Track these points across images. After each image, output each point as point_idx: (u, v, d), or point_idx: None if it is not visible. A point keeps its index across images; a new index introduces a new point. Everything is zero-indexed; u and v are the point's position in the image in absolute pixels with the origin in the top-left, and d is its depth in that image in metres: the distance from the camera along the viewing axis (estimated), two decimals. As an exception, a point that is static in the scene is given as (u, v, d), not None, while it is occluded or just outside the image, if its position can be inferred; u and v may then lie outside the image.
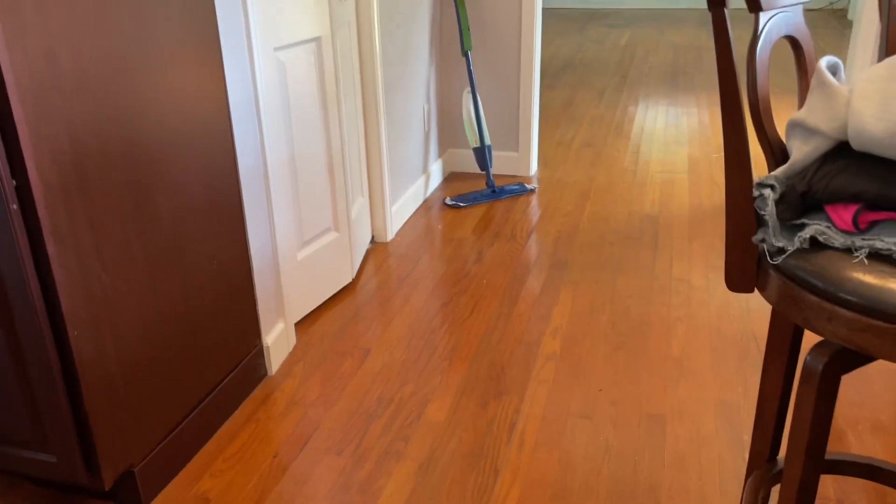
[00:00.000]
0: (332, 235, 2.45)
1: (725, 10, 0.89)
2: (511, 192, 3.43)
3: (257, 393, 2.03)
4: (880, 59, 1.13)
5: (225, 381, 1.89)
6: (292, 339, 2.24)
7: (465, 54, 3.32)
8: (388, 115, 2.85)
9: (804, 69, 1.07)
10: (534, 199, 3.35)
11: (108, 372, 1.46)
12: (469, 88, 3.37)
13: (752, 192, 0.96)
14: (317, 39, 2.20)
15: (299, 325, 2.35)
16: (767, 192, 0.94)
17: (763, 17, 1.00)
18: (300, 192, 2.24)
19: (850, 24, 7.41)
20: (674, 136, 4.13)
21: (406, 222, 3.13)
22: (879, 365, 2.05)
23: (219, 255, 1.80)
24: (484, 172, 3.49)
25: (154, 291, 1.58)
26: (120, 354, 1.49)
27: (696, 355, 2.13)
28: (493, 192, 3.39)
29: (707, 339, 2.21)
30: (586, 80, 5.52)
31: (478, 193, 3.39)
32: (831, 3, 8.20)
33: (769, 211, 0.93)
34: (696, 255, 2.75)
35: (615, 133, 4.25)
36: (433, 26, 3.32)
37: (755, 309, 2.36)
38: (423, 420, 1.90)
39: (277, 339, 2.13)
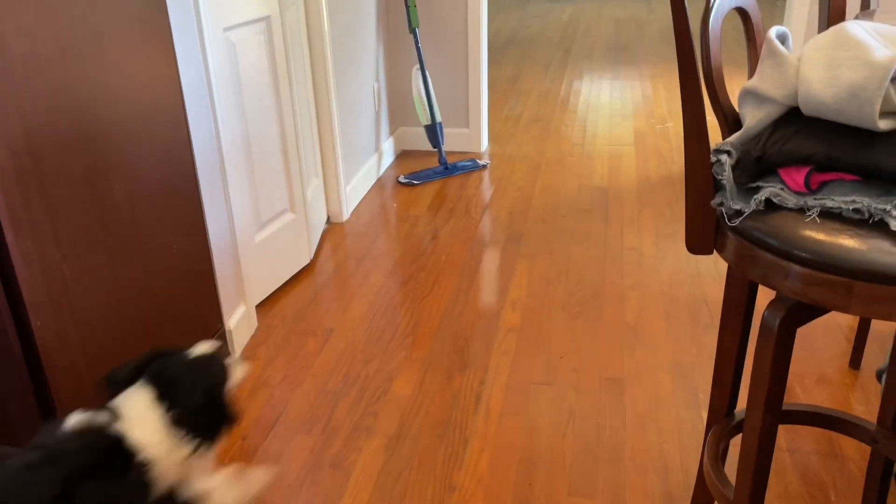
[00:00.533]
0: (288, 217, 2.44)
1: (682, -16, 0.93)
2: (463, 168, 3.45)
3: (222, 377, 2.02)
4: (821, 28, 1.19)
5: (189, 366, 1.87)
6: (254, 322, 2.23)
7: (413, 31, 3.31)
8: (338, 94, 2.84)
9: (753, 39, 1.12)
10: (486, 175, 3.38)
11: (73, 361, 1.44)
12: (418, 66, 3.36)
13: (709, 158, 1.01)
14: (266, 19, 2.17)
15: (260, 307, 2.34)
16: (724, 157, 0.99)
17: (714, -11, 1.04)
18: (255, 174, 2.22)
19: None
20: (619, 109, 4.21)
21: (361, 202, 3.13)
22: (824, 320, 2.16)
23: (177, 239, 1.78)
24: (436, 150, 3.50)
25: (114, 279, 1.55)
26: (83, 343, 1.47)
27: (650, 320, 2.21)
28: (446, 168, 3.41)
29: (660, 304, 2.29)
30: (531, 54, 5.56)
31: (431, 171, 3.40)
32: (763, -24, 8.41)
33: (726, 176, 0.98)
34: (645, 224, 2.83)
35: (562, 107, 4.31)
36: (379, 4, 3.30)
37: (704, 274, 2.45)
38: (390, 395, 1.92)
39: (239, 322, 2.12)
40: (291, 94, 2.35)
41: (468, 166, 3.46)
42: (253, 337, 2.20)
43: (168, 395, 1.08)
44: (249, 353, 2.12)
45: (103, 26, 1.46)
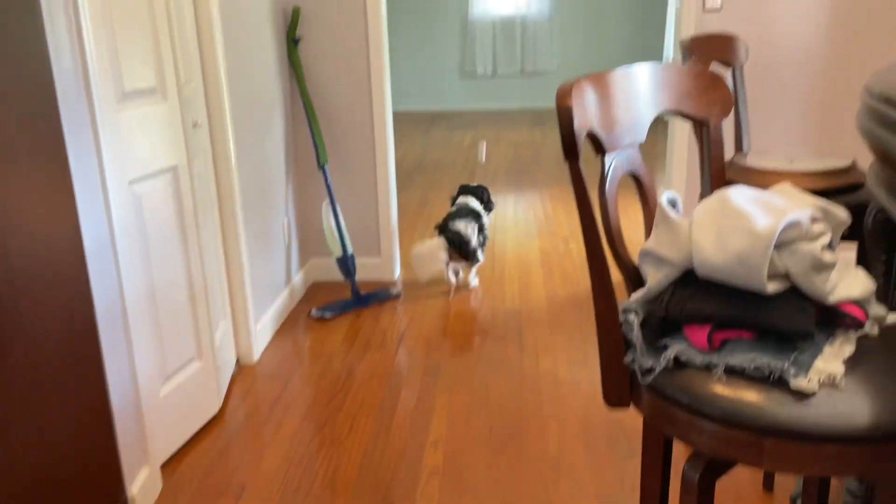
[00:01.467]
0: (195, 365, 2.34)
1: (579, 163, 1.00)
2: (377, 298, 3.45)
3: (123, 551, 1.85)
4: (703, 190, 1.29)
5: (86, 544, 1.71)
6: (159, 484, 2.08)
7: (322, 167, 3.38)
8: (247, 232, 2.82)
9: (647, 201, 1.20)
10: (399, 304, 3.39)
11: (-50, 561, 1.29)
12: (328, 200, 3.41)
13: (618, 317, 1.05)
14: (173, 169, 2.16)
15: (166, 465, 2.19)
16: (632, 317, 1.03)
17: (608, 158, 1.12)
18: (161, 324, 2.14)
19: (660, 119, 8.31)
20: (524, 230, 4.38)
21: (271, 340, 3.06)
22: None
23: (75, 404, 1.67)
24: (348, 281, 3.50)
25: (5, 451, 1.43)
26: (-36, 538, 1.32)
27: (571, 451, 2.21)
28: (359, 299, 3.40)
29: (579, 434, 2.30)
30: (437, 180, 5.75)
31: (343, 302, 3.38)
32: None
33: (635, 335, 1.02)
34: (558, 348, 2.89)
35: (470, 232, 4.43)
36: (287, 144, 3.37)
37: (619, 398, 2.50)
38: (311, 557, 1.81)
39: (143, 487, 1.97)
40: (199, 241, 2.32)
41: (381, 296, 3.47)
42: (157, 501, 2.04)
43: None
44: (154, 520, 1.96)
45: None
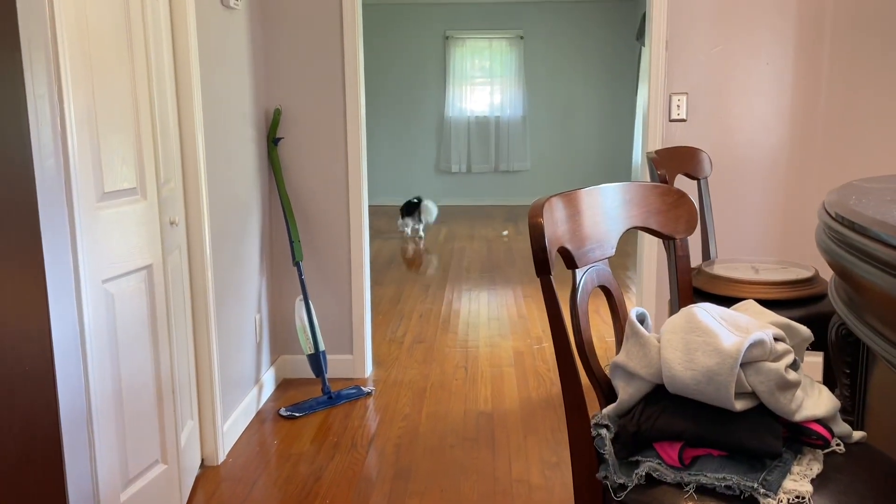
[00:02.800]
0: (159, 468, 2.27)
1: (551, 277, 1.03)
2: (348, 396, 3.40)
3: None
4: (672, 300, 1.33)
5: None
6: None
7: (297, 264, 3.40)
8: (219, 329, 2.80)
9: (617, 313, 1.24)
10: (371, 403, 3.34)
11: None
12: (301, 297, 3.41)
13: (590, 432, 1.06)
14: (147, 267, 2.17)
15: (120, 577, 2.08)
16: (604, 432, 1.04)
17: (578, 272, 1.16)
18: (126, 426, 2.08)
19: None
20: (497, 329, 4.39)
21: (238, 440, 2.98)
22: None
23: (30, 514, 1.60)
24: (319, 378, 3.45)
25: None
26: None
27: (545, 562, 2.15)
28: (330, 398, 3.35)
29: (554, 542, 2.24)
30: (411, 275, 5.79)
31: (313, 401, 3.32)
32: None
33: (608, 450, 1.03)
34: (531, 452, 2.85)
35: (443, 328, 4.43)
36: (263, 241, 3.40)
37: (593, 504, 2.45)
38: None
39: None
40: (170, 339, 2.30)
41: (353, 394, 3.42)
42: None
43: None
44: None
45: (-29, 295, 1.41)
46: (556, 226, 1.05)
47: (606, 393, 1.16)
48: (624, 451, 1.03)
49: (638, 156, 8.48)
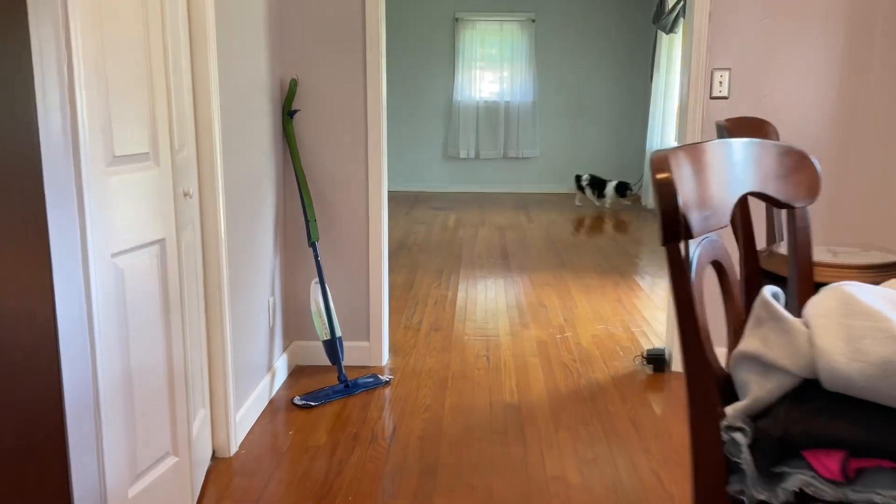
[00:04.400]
0: (170, 461, 2.08)
1: (681, 245, 0.84)
2: (365, 385, 3.21)
3: None
4: (790, 284, 1.14)
5: None
6: None
7: (313, 245, 3.20)
8: (232, 312, 2.60)
9: (730, 293, 1.04)
10: (389, 392, 3.16)
11: None
12: (317, 279, 3.21)
13: (720, 435, 0.87)
14: (160, 242, 1.97)
15: (128, 581, 1.90)
16: (739, 436, 0.85)
17: (692, 245, 0.96)
18: (136, 415, 1.89)
19: (643, 207, 8.34)
20: (517, 318, 4.20)
21: (251, 430, 2.79)
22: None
23: (31, 515, 1.41)
24: (334, 365, 3.26)
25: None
26: None
27: (592, 569, 1.97)
28: (346, 387, 3.16)
29: (599, 547, 2.07)
30: (422, 261, 5.60)
31: (329, 390, 3.14)
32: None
33: (745, 458, 0.84)
34: (565, 447, 2.66)
35: (460, 315, 4.24)
36: (278, 218, 3.20)
37: (638, 506, 2.27)
38: None
39: None
40: (183, 320, 2.10)
41: (370, 383, 3.23)
42: None
43: None
44: None
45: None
46: (682, 183, 0.85)
47: (723, 390, 0.97)
48: (765, 461, 0.84)
49: (654, 144, 8.28)
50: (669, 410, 2.99)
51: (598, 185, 8.08)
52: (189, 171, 2.24)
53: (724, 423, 0.87)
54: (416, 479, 2.44)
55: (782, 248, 1.87)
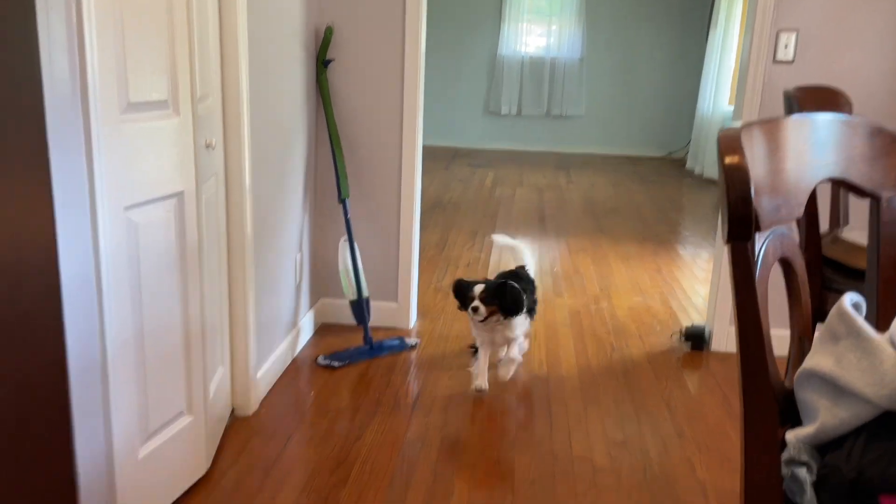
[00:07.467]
0: (184, 420, 2.02)
1: (748, 245, 0.70)
2: (390, 348, 3.13)
3: None
4: (869, 286, 0.99)
5: None
6: (126, 566, 1.75)
7: (343, 201, 3.09)
8: (256, 268, 2.52)
9: (797, 296, 0.90)
10: (415, 357, 3.08)
11: None
12: (346, 237, 3.12)
13: (780, 468, 0.74)
14: (178, 195, 1.87)
15: (137, 540, 1.86)
16: (803, 473, 0.72)
17: (758, 238, 0.82)
18: (148, 373, 1.83)
19: (688, 174, 8.05)
20: (550, 285, 4.07)
21: (272, 389, 2.73)
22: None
23: (32, 473, 1.35)
24: (360, 326, 3.19)
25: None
26: None
27: (615, 560, 1.87)
28: (371, 348, 3.09)
29: (624, 536, 1.97)
30: (457, 220, 5.47)
31: (354, 351, 3.06)
32: (670, 153, 8.94)
33: (808, 502, 0.71)
34: (593, 426, 2.55)
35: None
36: (308, 173, 3.09)
37: (667, 497, 2.16)
38: None
39: (106, 571, 1.64)
40: (201, 277, 2.02)
41: (396, 346, 3.15)
42: (123, 586, 1.71)
43: None
44: None
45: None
46: (755, 167, 0.71)
47: (783, 409, 0.84)
48: (830, 502, 0.72)
49: (705, 108, 7.93)
50: (706, 391, 2.85)
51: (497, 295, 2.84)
52: (213, 121, 2.13)
53: (786, 454, 0.74)
54: (436, 450, 2.36)
55: (848, 234, 1.70)
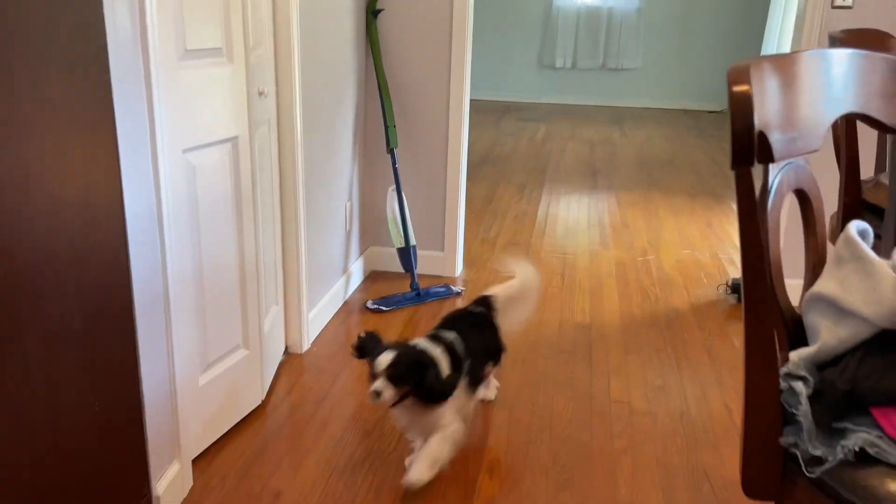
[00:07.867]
0: (240, 354, 2.16)
1: (752, 170, 0.74)
2: (437, 294, 3.23)
3: (142, 556, 1.68)
4: (887, 223, 1.01)
5: (101, 548, 1.54)
6: (188, 482, 1.90)
7: (391, 151, 3.16)
8: (307, 214, 2.63)
9: (812, 226, 0.94)
10: (460, 303, 3.16)
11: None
12: (394, 186, 3.20)
13: (778, 383, 0.79)
14: (233, 140, 1.97)
15: (198, 460, 2.01)
16: (799, 385, 0.77)
17: (772, 169, 0.85)
18: (207, 309, 1.96)
19: (748, 128, 7.82)
20: (598, 238, 4.08)
21: (324, 329, 2.86)
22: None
23: (103, 394, 1.49)
24: (408, 273, 3.28)
25: (17, 443, 1.26)
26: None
27: (644, 496, 1.94)
28: (418, 295, 3.19)
29: (655, 475, 2.03)
30: (506, 174, 5.49)
31: (401, 297, 3.17)
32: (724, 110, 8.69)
33: (803, 411, 0.76)
34: (633, 371, 2.61)
35: (539, 231, 4.16)
36: (357, 123, 3.16)
37: (701, 438, 2.21)
38: (345, 589, 1.60)
39: (171, 484, 1.80)
40: (255, 219, 2.13)
41: (441, 293, 3.24)
42: (186, 499, 1.87)
43: None
44: (179, 524, 1.78)
45: (24, 144, 1.23)
46: (763, 99, 0.74)
47: (792, 333, 0.88)
48: (827, 415, 0.77)
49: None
50: (749, 343, 2.86)
51: (410, 374, 1.89)
52: (265, 69, 2.21)
53: (784, 369, 0.79)
54: (477, 390, 2.45)
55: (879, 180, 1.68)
